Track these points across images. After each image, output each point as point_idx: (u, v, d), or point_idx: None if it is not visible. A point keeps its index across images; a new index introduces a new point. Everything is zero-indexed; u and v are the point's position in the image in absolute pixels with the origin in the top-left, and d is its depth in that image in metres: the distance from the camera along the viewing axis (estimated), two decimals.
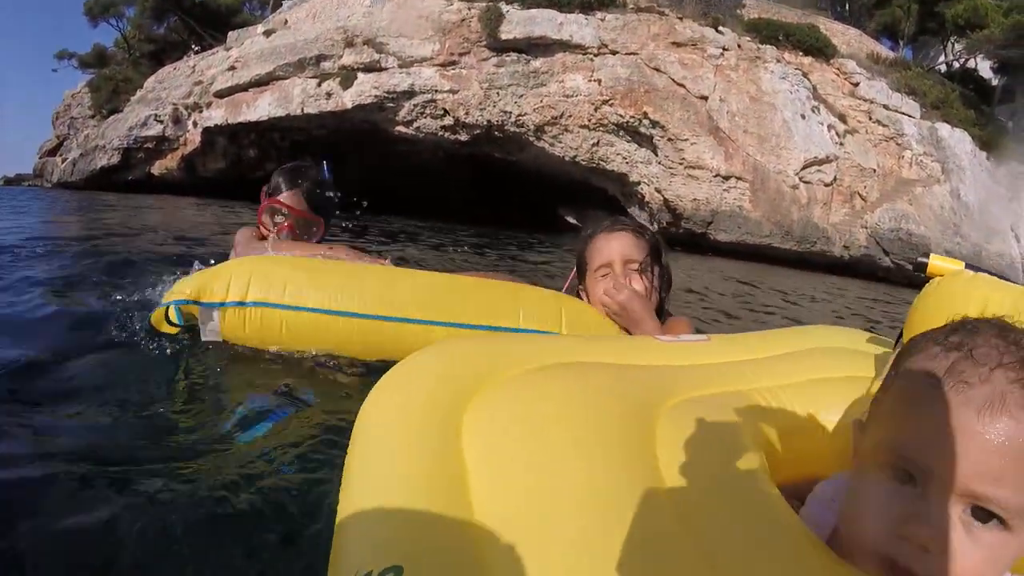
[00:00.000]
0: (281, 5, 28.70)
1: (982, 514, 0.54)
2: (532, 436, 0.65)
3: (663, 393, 0.78)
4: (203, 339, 1.48)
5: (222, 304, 1.47)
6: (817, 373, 0.95)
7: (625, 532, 0.52)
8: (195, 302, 1.49)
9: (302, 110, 20.01)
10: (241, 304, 1.47)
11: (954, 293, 0.87)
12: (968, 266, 0.97)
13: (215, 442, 1.12)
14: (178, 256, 3.51)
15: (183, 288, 1.50)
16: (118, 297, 2.04)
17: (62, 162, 34.89)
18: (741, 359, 1.00)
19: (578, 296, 1.76)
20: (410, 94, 17.76)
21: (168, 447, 1.09)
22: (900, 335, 0.99)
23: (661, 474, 0.63)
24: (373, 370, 1.40)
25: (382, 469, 0.67)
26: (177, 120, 24.84)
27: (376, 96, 18.56)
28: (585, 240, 1.72)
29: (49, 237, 4.54)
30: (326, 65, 20.55)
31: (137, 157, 26.14)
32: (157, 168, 24.82)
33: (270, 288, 1.48)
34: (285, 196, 2.25)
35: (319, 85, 20.22)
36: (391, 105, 18.10)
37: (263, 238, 2.25)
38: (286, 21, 26.05)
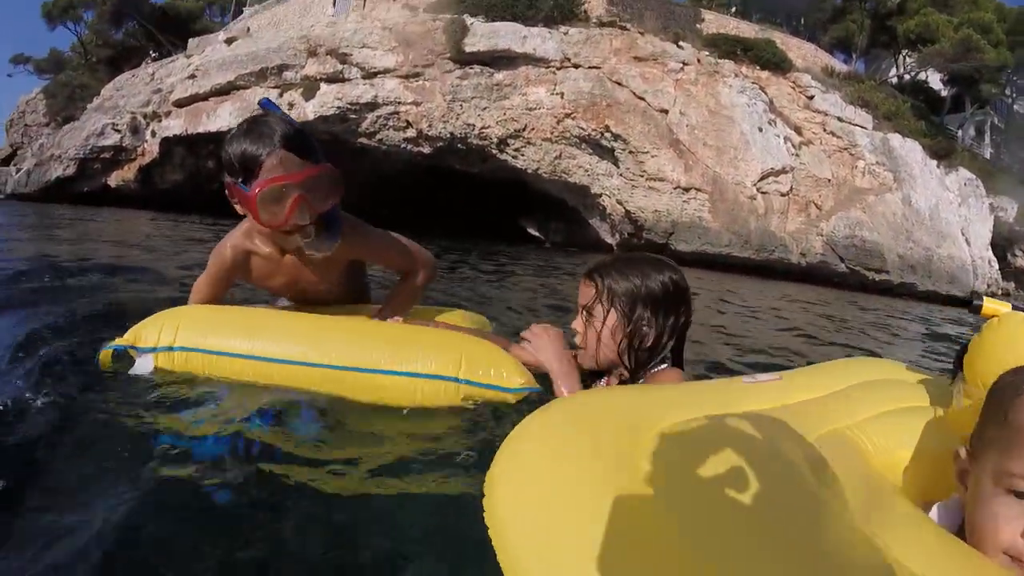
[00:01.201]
0: (242, 12, 28.31)
1: None
2: (735, 482, 0.69)
3: (793, 434, 0.86)
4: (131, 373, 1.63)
5: (153, 350, 1.62)
6: (885, 406, 1.05)
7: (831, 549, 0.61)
8: (131, 347, 1.64)
9: None
10: (170, 349, 1.61)
11: (1015, 334, 0.97)
12: (1014, 307, 1.08)
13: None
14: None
15: (126, 335, 1.67)
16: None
17: (16, 172, 33.83)
18: (816, 396, 1.09)
19: None
20: (373, 105, 17.69)
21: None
22: (956, 368, 1.09)
23: (843, 499, 0.73)
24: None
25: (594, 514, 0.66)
26: (135, 129, 24.26)
27: (339, 107, 18.45)
28: None
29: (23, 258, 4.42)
30: (288, 75, 20.34)
31: (93, 168, 25.41)
32: (114, 179, 24.19)
33: (195, 334, 1.62)
34: (269, 167, 1.57)
35: (281, 95, 19.97)
36: (354, 116, 18.01)
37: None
38: (248, 29, 25.75)
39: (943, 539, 0.73)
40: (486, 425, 1.47)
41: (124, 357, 1.64)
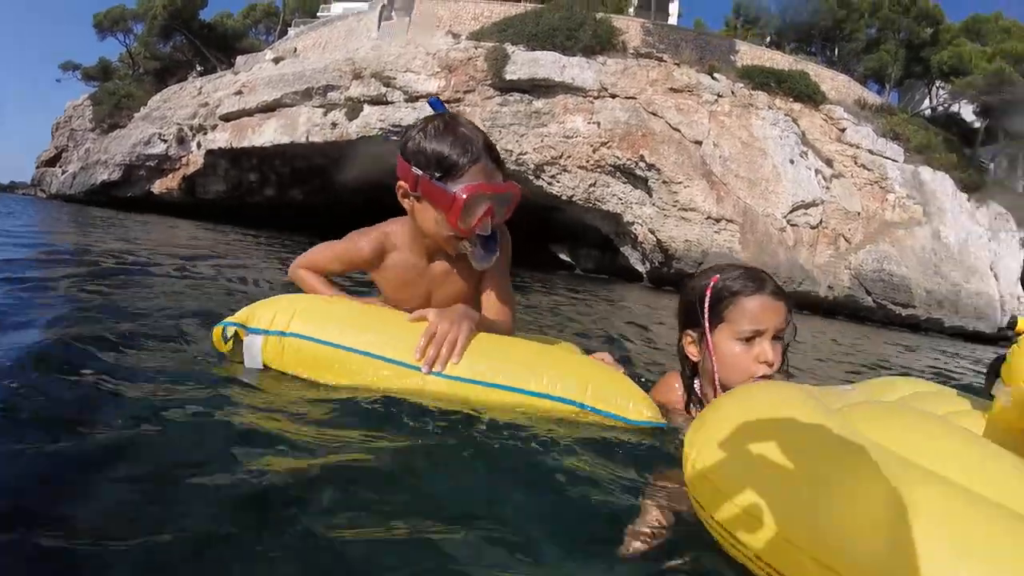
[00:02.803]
0: (287, 32, 29.33)
1: None
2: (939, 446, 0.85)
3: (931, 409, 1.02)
4: (245, 365, 1.59)
5: (266, 332, 1.57)
6: (938, 411, 1.21)
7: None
8: (242, 325, 1.60)
9: (307, 138, 20.55)
10: (281, 334, 1.56)
11: None
12: None
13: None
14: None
15: (239, 313, 1.64)
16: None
17: (61, 173, 35.21)
18: (899, 397, 1.30)
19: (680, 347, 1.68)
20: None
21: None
22: (991, 376, 1.23)
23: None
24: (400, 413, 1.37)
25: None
26: (181, 140, 25.27)
27: (381, 128, 19.13)
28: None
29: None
30: (333, 95, 21.11)
31: (138, 174, 26.51)
32: (158, 187, 25.18)
33: (311, 322, 1.56)
34: (473, 173, 1.57)
35: (325, 115, 20.78)
36: (395, 138, 18.64)
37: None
38: (295, 50, 26.69)
39: None
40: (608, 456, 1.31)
41: (234, 337, 1.60)
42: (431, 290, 1.81)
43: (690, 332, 1.61)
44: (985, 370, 1.25)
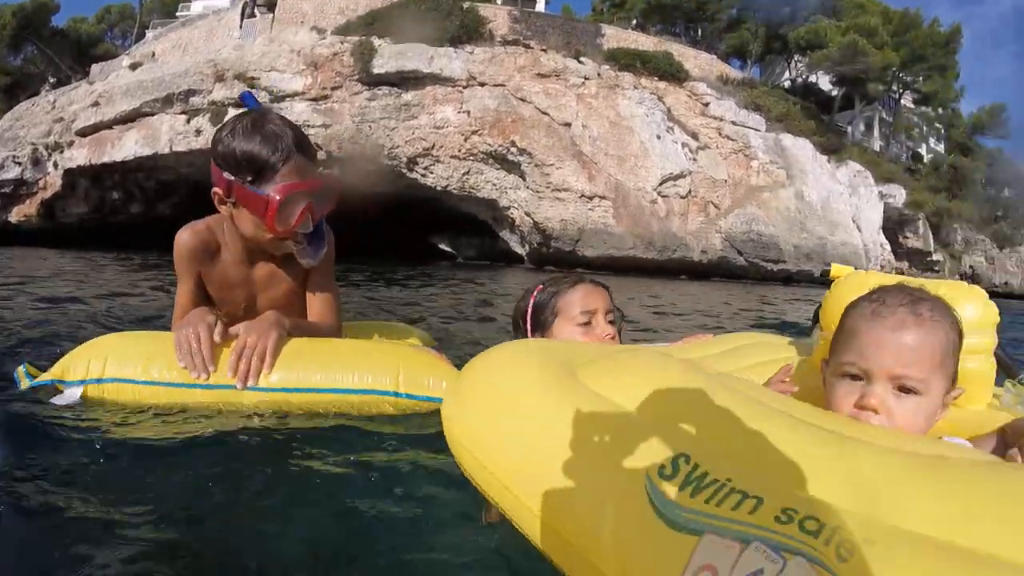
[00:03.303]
0: (145, 35, 27.55)
1: (903, 389, 0.91)
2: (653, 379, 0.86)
3: (708, 367, 1.06)
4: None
5: (83, 382, 1.55)
6: (765, 357, 1.34)
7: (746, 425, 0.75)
8: (59, 381, 1.57)
9: (170, 148, 19.43)
10: (99, 381, 1.55)
11: (854, 284, 1.20)
12: (856, 269, 1.35)
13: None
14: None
15: (53, 368, 1.60)
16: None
17: None
18: (711, 352, 1.42)
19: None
20: None
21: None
22: (814, 321, 1.36)
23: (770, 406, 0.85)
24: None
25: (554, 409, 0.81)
26: (36, 161, 23.25)
27: None
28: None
29: None
30: (195, 100, 20.07)
31: None
32: (15, 215, 23.12)
33: (125, 364, 1.55)
34: (285, 172, 1.54)
35: (188, 122, 19.72)
36: None
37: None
38: (153, 54, 25.10)
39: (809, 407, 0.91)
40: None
41: (51, 391, 1.56)
42: (256, 293, 1.77)
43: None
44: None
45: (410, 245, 18.18)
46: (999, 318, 1.21)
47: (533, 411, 0.83)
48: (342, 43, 19.05)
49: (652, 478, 0.67)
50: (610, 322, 1.59)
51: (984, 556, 0.55)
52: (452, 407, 0.96)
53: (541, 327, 1.61)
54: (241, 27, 23.39)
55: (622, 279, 14.36)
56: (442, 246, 18.09)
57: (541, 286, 1.65)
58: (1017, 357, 1.38)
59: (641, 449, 0.72)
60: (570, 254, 16.75)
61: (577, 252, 16.85)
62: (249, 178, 1.52)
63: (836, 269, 1.41)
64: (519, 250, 17.93)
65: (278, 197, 1.49)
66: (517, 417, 0.84)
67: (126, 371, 1.55)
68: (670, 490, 0.65)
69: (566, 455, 0.75)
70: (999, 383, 1.26)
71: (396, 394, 1.52)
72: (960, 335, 0.98)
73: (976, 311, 1.18)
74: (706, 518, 0.61)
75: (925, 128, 34.76)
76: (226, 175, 1.55)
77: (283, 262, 1.74)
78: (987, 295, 1.22)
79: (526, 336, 1.63)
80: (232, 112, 19.28)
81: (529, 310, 1.63)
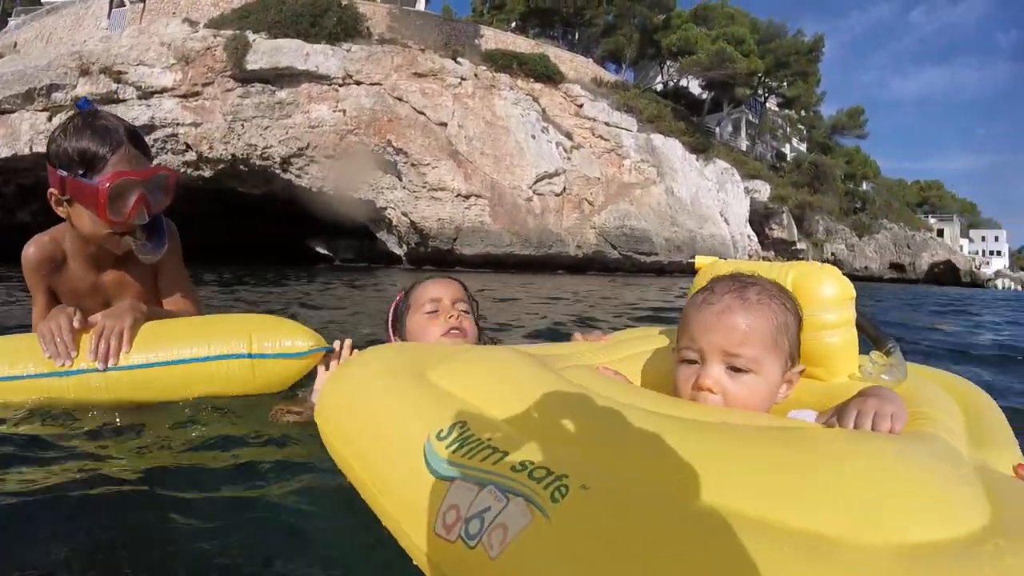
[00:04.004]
0: (7, 23, 25.62)
1: (737, 369, 0.98)
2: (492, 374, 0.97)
3: (552, 364, 1.11)
4: None
5: None
6: (637, 349, 1.40)
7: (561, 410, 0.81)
8: None
9: (31, 148, 18.30)
10: None
11: (715, 272, 1.25)
12: (720, 259, 1.43)
13: None
14: None
15: None
16: None
17: None
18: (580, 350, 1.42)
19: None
20: (150, 128, 17.20)
21: None
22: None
23: (581, 387, 0.90)
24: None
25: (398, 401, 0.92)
26: None
27: None
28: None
29: None
30: (58, 96, 18.98)
31: None
32: None
33: None
34: (115, 163, 1.59)
35: (50, 119, 18.66)
36: None
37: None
38: (15, 44, 23.49)
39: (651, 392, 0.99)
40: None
41: None
42: (109, 300, 1.80)
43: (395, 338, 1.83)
44: None
45: (287, 248, 18.12)
46: (854, 292, 1.26)
47: (376, 401, 0.97)
48: (215, 37, 18.64)
49: (431, 439, 0.79)
50: (462, 311, 1.72)
51: (713, 508, 0.60)
52: (321, 406, 1.10)
53: (400, 319, 1.77)
54: (109, 16, 22.33)
55: (500, 276, 15.09)
56: (319, 249, 18.16)
57: (402, 292, 1.82)
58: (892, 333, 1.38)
59: (432, 419, 0.83)
60: (448, 253, 17.36)
61: (455, 251, 17.50)
62: (81, 171, 1.57)
63: (700, 260, 1.48)
64: (397, 251, 18.36)
65: (107, 184, 1.54)
66: (364, 408, 0.98)
67: None
68: (440, 448, 0.77)
69: (385, 431, 0.90)
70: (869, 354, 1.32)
71: (251, 356, 1.58)
72: (797, 316, 1.08)
73: (833, 288, 1.23)
74: (459, 468, 0.72)
75: (788, 129, 38.08)
76: (59, 172, 1.59)
77: (131, 266, 1.79)
78: (840, 272, 1.27)
79: (391, 330, 1.81)
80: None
81: (392, 308, 1.82)
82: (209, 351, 1.58)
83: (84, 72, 19.17)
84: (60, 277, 1.74)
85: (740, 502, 0.61)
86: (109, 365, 1.55)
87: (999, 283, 49.71)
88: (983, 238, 74.88)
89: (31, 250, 1.70)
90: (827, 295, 1.22)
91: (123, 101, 18.16)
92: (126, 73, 18.51)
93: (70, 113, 1.73)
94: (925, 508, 0.60)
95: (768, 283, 1.06)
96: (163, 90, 17.98)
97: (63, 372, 1.56)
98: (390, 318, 1.80)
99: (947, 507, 0.61)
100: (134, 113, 17.79)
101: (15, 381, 1.57)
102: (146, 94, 18.02)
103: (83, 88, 18.93)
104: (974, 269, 42.92)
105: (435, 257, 17.23)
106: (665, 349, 1.37)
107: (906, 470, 0.65)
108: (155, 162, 1.80)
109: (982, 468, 0.82)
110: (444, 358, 1.07)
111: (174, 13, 20.33)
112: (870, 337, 1.32)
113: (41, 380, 1.56)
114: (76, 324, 1.60)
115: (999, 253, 73.66)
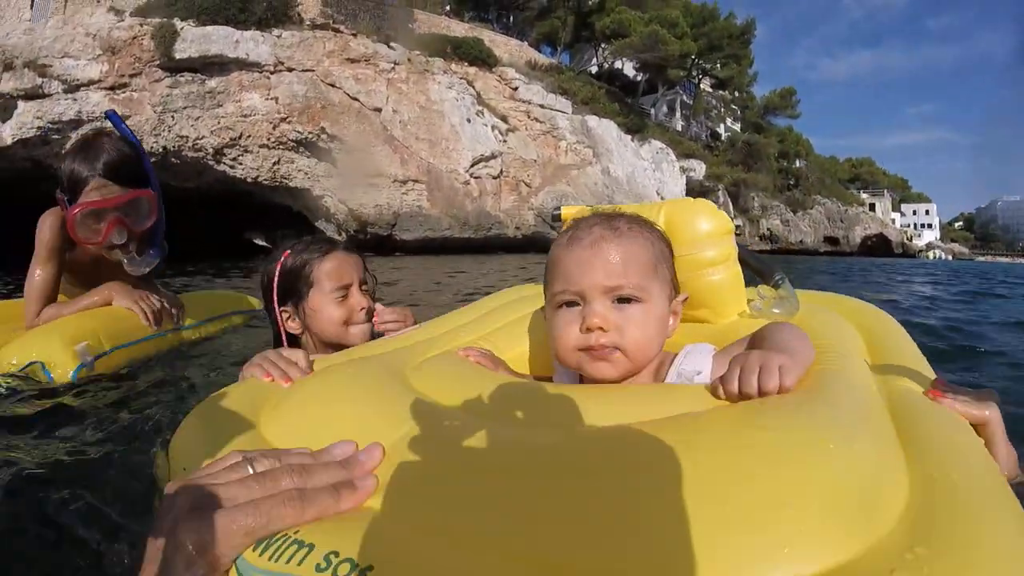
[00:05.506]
0: None
1: (622, 300, 0.92)
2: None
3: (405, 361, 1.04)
4: None
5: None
6: (513, 316, 1.33)
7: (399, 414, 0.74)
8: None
9: None
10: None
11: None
12: (591, 208, 1.27)
13: None
14: None
15: None
16: None
17: None
18: (468, 319, 1.34)
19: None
20: (77, 123, 16.94)
21: None
22: None
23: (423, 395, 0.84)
24: None
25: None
26: None
27: (40, 128, 17.29)
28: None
29: None
30: None
31: None
32: None
33: None
34: (87, 191, 1.79)
35: None
36: (56, 137, 16.99)
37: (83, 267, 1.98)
38: None
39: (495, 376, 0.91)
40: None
41: None
42: (110, 275, 2.04)
43: (285, 308, 1.61)
44: None
45: (226, 241, 18.04)
46: (732, 226, 1.20)
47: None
48: (142, 25, 18.37)
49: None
50: (364, 291, 1.63)
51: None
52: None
53: (295, 295, 1.58)
54: (32, 7, 21.65)
55: (440, 258, 15.46)
56: (258, 241, 18.16)
57: (288, 251, 1.61)
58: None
59: None
60: (388, 239, 17.72)
61: (394, 236, 17.88)
62: (68, 196, 1.80)
63: (566, 210, 1.40)
64: (337, 239, 18.54)
65: (76, 211, 1.76)
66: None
67: None
68: (248, 551, 0.56)
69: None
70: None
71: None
72: (668, 246, 1.01)
73: (708, 223, 1.17)
74: None
75: (722, 109, 39.47)
76: (59, 193, 1.83)
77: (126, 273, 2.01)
78: (716, 207, 1.22)
79: (272, 303, 1.60)
80: (23, 105, 18.17)
81: (276, 275, 1.58)
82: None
83: (8, 66, 18.62)
84: (71, 255, 1.96)
85: (568, 554, 0.49)
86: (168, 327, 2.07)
87: (931, 254, 53.02)
88: (914, 212, 79.19)
89: (52, 219, 1.86)
90: (703, 230, 1.16)
91: (49, 96, 17.78)
92: (51, 66, 18.11)
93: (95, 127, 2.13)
94: (807, 532, 0.47)
95: (632, 215, 1.01)
96: (89, 83, 17.71)
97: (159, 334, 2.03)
98: (275, 285, 1.59)
99: (840, 519, 0.49)
100: (60, 108, 17.50)
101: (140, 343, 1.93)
102: (72, 87, 17.71)
103: (7, 84, 18.41)
104: (906, 241, 45.54)
105: (375, 243, 17.55)
106: (540, 305, 1.25)
107: (784, 475, 0.52)
108: None
109: (894, 395, 0.78)
110: (274, 405, 0.92)
111: (99, 2, 19.90)
112: (755, 271, 1.27)
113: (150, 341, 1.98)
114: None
115: (930, 226, 78.04)
